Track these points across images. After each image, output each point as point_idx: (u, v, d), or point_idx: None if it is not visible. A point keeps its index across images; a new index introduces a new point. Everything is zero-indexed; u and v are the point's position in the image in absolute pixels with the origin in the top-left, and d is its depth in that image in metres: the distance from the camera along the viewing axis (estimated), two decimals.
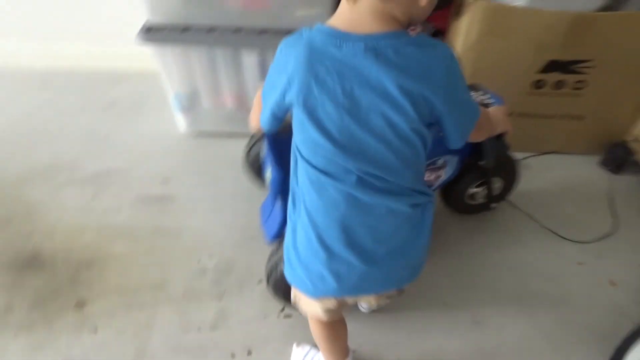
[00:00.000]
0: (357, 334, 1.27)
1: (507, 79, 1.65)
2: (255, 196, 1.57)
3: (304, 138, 0.85)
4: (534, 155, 1.86)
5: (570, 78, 1.65)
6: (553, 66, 1.62)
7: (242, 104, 1.80)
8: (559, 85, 1.67)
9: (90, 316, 1.33)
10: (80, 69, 2.24)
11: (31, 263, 1.46)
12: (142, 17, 1.63)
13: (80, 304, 1.36)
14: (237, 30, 1.60)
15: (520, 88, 1.68)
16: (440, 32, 1.49)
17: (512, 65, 1.63)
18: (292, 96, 0.82)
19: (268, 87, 0.90)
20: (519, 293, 1.43)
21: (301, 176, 0.89)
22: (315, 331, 1.09)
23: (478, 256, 1.52)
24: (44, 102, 2.06)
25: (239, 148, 1.63)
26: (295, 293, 1.02)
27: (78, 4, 2.12)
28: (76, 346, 1.27)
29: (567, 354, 1.30)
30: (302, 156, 0.87)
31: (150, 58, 2.18)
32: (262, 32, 1.60)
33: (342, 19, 0.82)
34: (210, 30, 1.60)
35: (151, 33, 1.60)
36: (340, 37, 0.80)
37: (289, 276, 0.96)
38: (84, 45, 2.22)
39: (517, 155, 1.60)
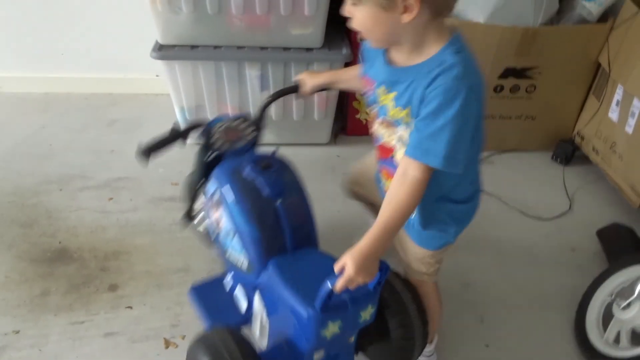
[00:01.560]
0: None
1: None
2: None
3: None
4: (496, 154, 2.16)
5: (523, 83, 1.96)
6: (509, 72, 1.93)
7: None
8: (514, 89, 1.98)
9: (124, 296, 1.46)
10: (77, 93, 2.38)
11: (60, 257, 1.57)
12: (152, 39, 1.84)
13: (113, 287, 1.48)
14: (241, 47, 1.83)
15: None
16: None
17: None
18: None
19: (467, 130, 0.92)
20: (499, 260, 1.68)
21: None
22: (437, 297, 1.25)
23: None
24: (47, 122, 2.19)
25: None
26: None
27: (75, 35, 2.30)
28: (115, 321, 1.39)
29: (545, 306, 1.54)
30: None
31: (142, 84, 2.39)
32: (263, 48, 1.83)
33: None
34: (216, 47, 1.82)
35: (164, 50, 1.80)
36: None
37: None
38: (81, 71, 2.38)
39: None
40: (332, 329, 0.97)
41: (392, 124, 1.01)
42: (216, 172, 1.19)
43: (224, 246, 1.21)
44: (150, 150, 1.15)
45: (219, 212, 1.18)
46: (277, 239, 1.12)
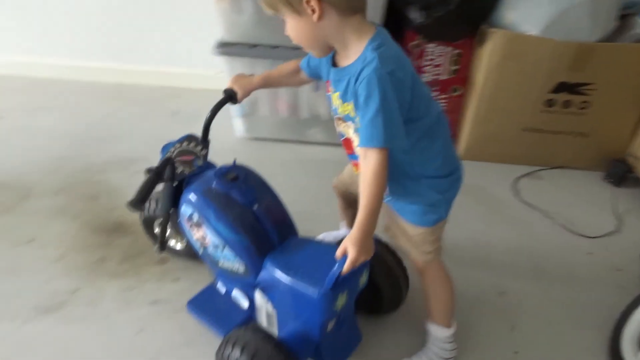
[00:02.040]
0: None
1: (524, 97, 1.96)
2: (302, 191, 1.83)
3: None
4: (544, 169, 2.14)
5: (576, 98, 1.95)
6: (562, 87, 1.92)
7: (294, 112, 2.10)
8: (566, 104, 1.97)
9: (172, 270, 1.57)
10: (145, 85, 2.58)
11: (117, 229, 1.71)
12: (215, 37, 1.97)
13: (162, 261, 1.60)
14: (296, 48, 1.92)
15: (534, 105, 1.98)
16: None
17: (527, 85, 1.93)
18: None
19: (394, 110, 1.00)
20: (537, 273, 1.67)
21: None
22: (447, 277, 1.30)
23: (499, 243, 1.77)
24: (117, 109, 2.39)
25: (287, 152, 1.97)
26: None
27: (145, 31, 2.48)
28: (162, 291, 1.50)
29: (579, 322, 1.52)
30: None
31: (203, 79, 2.54)
32: None
33: None
34: (274, 47, 1.92)
35: (226, 47, 1.92)
36: None
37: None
38: (148, 65, 2.57)
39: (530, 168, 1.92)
40: (341, 300, 1.10)
41: (344, 119, 1.12)
42: (188, 196, 1.23)
43: (214, 258, 1.27)
44: (140, 200, 1.18)
45: (202, 230, 1.23)
46: (265, 239, 1.21)
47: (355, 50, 1.01)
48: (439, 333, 1.31)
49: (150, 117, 2.35)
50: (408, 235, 1.23)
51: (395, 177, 1.10)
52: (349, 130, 1.13)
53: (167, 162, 1.24)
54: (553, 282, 1.64)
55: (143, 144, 2.13)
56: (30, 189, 1.87)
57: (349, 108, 1.06)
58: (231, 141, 2.18)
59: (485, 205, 1.95)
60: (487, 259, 1.70)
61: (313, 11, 0.95)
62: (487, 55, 1.91)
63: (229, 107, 2.12)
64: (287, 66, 1.34)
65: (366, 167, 1.01)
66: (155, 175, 1.21)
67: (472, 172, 2.07)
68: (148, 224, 1.57)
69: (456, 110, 2.18)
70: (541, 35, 1.81)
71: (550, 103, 1.97)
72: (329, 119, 2.08)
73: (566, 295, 1.61)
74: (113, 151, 2.08)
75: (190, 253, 1.52)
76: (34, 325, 1.39)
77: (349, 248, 0.99)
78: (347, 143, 1.18)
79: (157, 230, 1.56)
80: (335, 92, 1.10)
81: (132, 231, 1.69)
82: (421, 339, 1.37)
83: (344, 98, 1.07)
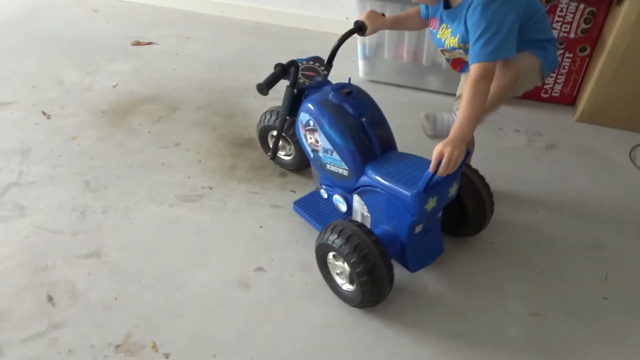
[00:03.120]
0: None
1: None
2: (411, 131, 1.93)
3: None
4: None
5: None
6: None
7: (416, 58, 2.19)
8: None
9: (290, 182, 1.80)
10: (280, 25, 2.81)
11: (247, 144, 1.97)
12: None
13: (283, 174, 1.83)
14: None
15: None
16: None
17: None
18: None
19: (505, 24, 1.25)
20: (639, 234, 1.67)
21: None
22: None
23: (605, 201, 1.77)
24: (253, 44, 2.65)
25: (404, 96, 2.12)
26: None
27: None
28: (280, 198, 1.74)
29: None
30: None
31: (332, 24, 2.70)
32: None
33: None
34: None
35: None
36: None
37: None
38: (285, 7, 2.78)
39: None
40: (431, 203, 1.24)
41: (449, 50, 1.43)
42: (307, 105, 1.43)
43: (323, 161, 1.46)
44: (268, 84, 1.38)
45: (315, 135, 1.43)
46: (368, 148, 1.38)
47: None
48: None
49: (282, 54, 2.55)
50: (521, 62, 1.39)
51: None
52: (455, 54, 1.39)
53: (294, 63, 1.45)
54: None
55: None
56: (179, 103, 2.19)
57: (455, 40, 1.32)
58: (353, 81, 2.33)
59: (596, 166, 1.93)
60: (590, 214, 1.72)
61: None
62: (623, 16, 1.85)
63: (355, 49, 2.28)
64: (411, 11, 1.57)
65: (471, 79, 1.19)
66: (282, 68, 1.42)
67: (589, 135, 2.10)
68: (263, 134, 1.80)
69: (580, 70, 2.14)
70: None
71: None
72: (448, 68, 2.15)
73: None
74: (247, 79, 2.34)
75: (295, 164, 1.77)
76: (177, 210, 1.69)
77: (445, 148, 1.14)
78: (455, 63, 1.44)
79: (270, 141, 1.78)
80: (447, 28, 1.39)
81: (259, 147, 1.92)
82: (500, 266, 1.52)
83: (454, 33, 1.32)
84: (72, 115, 2.09)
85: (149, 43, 2.64)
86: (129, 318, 1.36)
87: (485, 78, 1.21)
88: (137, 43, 2.62)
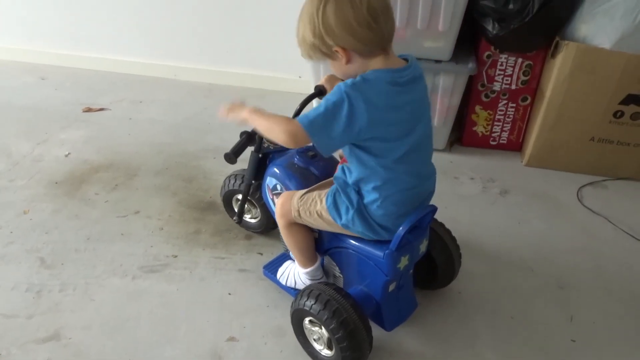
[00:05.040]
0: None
1: (592, 108, 2.03)
2: None
3: None
4: (609, 179, 2.19)
5: None
6: (631, 99, 1.98)
7: None
8: (635, 116, 2.02)
9: (257, 245, 1.78)
10: (234, 85, 2.85)
11: (210, 207, 1.95)
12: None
13: (248, 237, 1.81)
14: None
15: (603, 116, 2.04)
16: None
17: (596, 96, 2.01)
18: None
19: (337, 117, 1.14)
20: (599, 273, 1.74)
21: None
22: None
23: (561, 243, 1.85)
24: (208, 106, 2.66)
25: None
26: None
27: (238, 37, 2.75)
28: (247, 261, 1.71)
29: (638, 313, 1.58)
30: None
31: (287, 83, 2.77)
32: None
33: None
34: None
35: None
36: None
37: None
38: (239, 67, 2.84)
39: (595, 177, 2.05)
40: (404, 261, 1.26)
41: None
42: (273, 169, 1.46)
43: None
44: (235, 153, 1.40)
45: None
46: None
47: None
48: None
49: None
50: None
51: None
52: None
53: (252, 137, 1.45)
54: (613, 280, 1.72)
55: (232, 136, 2.33)
56: (136, 169, 2.15)
57: None
58: None
59: (548, 208, 2.03)
60: (548, 256, 1.79)
61: (342, 57, 1.13)
62: (558, 67, 2.00)
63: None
64: None
65: (291, 123, 1.14)
66: (248, 136, 1.43)
67: (537, 178, 2.20)
68: (227, 199, 1.79)
69: (523, 118, 2.27)
70: (613, 49, 1.89)
71: (618, 114, 2.03)
72: None
73: (627, 291, 1.67)
74: (205, 141, 2.34)
75: (261, 227, 1.76)
76: (141, 282, 1.63)
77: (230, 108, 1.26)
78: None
79: (235, 205, 1.77)
80: None
81: (222, 210, 1.90)
82: (471, 316, 1.53)
83: None
84: (22, 187, 2.01)
85: (101, 109, 2.60)
86: None
87: (293, 135, 1.13)
88: (89, 109, 2.58)
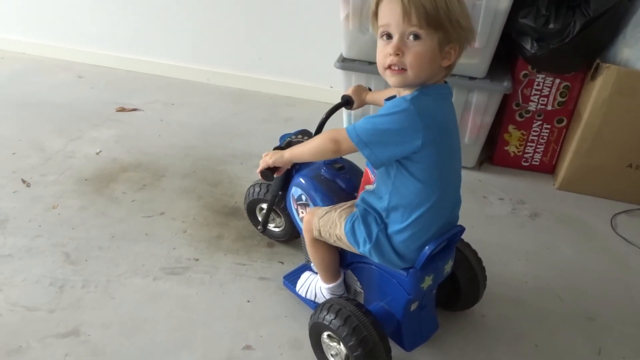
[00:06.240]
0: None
1: (630, 133, 1.97)
2: None
3: None
4: None
5: None
6: None
7: None
8: None
9: (278, 254, 1.77)
10: (264, 92, 2.87)
11: (234, 213, 1.94)
12: (332, 55, 2.18)
13: (270, 244, 1.80)
14: None
15: None
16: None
17: (636, 121, 1.94)
18: None
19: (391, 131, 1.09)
20: (630, 305, 1.67)
21: None
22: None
23: (592, 271, 1.79)
24: (238, 111, 2.68)
25: None
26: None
27: (272, 44, 2.77)
28: (268, 270, 1.70)
29: None
30: None
31: (317, 92, 2.77)
32: None
33: None
34: None
35: (346, 62, 2.12)
36: None
37: None
38: (270, 75, 2.85)
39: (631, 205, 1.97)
40: (427, 281, 1.22)
41: None
42: (299, 179, 1.44)
43: None
44: (273, 170, 1.35)
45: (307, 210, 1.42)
46: None
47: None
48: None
49: (266, 121, 2.61)
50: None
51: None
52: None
53: (289, 145, 1.43)
54: None
55: (259, 143, 2.38)
56: (164, 170, 2.17)
57: None
58: None
59: (579, 235, 1.96)
60: (578, 285, 1.73)
61: (446, 54, 1.03)
62: (598, 90, 1.94)
63: (341, 118, 2.32)
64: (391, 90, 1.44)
65: (334, 131, 1.13)
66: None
67: (569, 203, 2.14)
68: (251, 207, 1.78)
69: (558, 140, 2.21)
70: None
71: None
72: None
73: None
74: (233, 146, 2.35)
75: (285, 236, 1.75)
76: (161, 283, 1.63)
77: (269, 155, 1.30)
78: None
79: (259, 213, 1.77)
80: None
81: (245, 217, 1.90)
82: (493, 341, 1.48)
83: None
84: (53, 183, 2.05)
85: (134, 109, 2.65)
86: None
87: (339, 142, 1.12)
88: (122, 109, 2.63)
